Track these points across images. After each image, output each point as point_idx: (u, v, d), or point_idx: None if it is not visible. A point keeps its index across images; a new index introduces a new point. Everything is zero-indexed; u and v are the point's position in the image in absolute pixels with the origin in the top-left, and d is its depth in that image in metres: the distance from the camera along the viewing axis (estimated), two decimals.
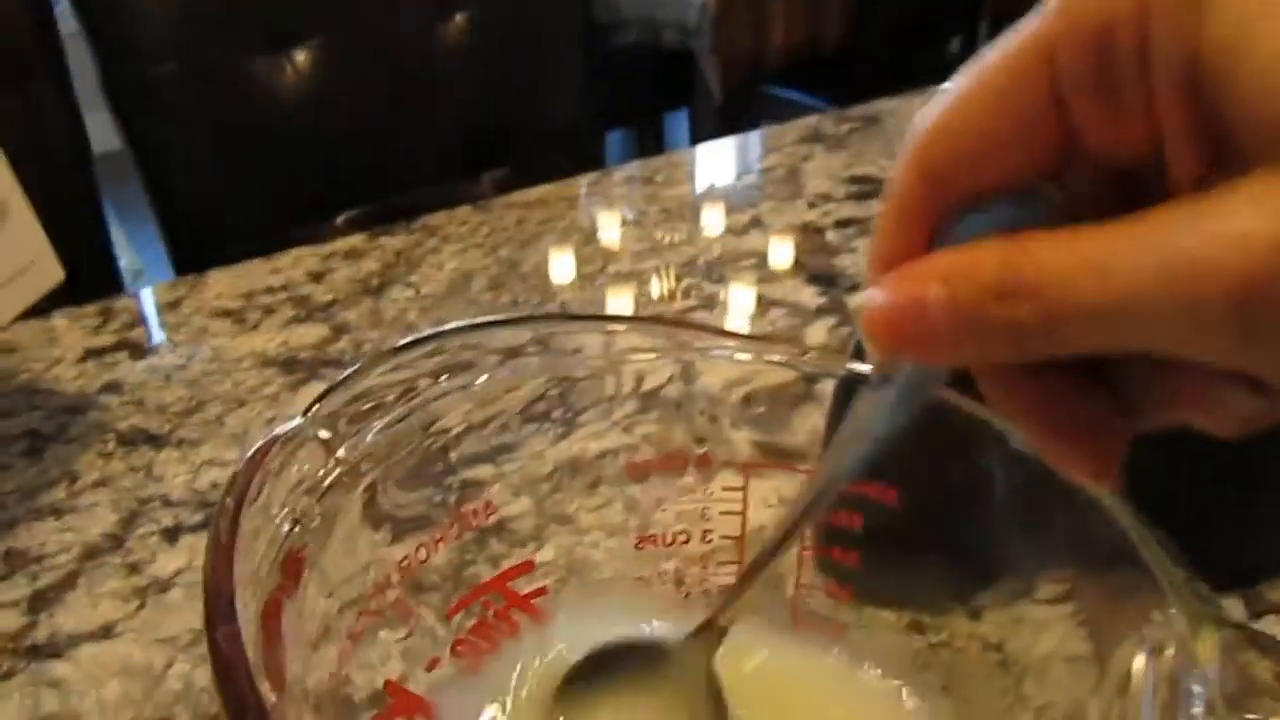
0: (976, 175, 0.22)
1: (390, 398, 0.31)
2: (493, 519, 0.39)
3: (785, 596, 0.35)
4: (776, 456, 0.40)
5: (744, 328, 0.64)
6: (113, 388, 0.61)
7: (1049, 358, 0.20)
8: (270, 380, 0.60)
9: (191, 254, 1.04)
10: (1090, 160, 0.22)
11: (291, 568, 0.23)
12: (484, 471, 0.39)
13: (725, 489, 0.34)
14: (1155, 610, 0.25)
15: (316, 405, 0.27)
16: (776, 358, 0.34)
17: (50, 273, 0.51)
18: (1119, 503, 0.28)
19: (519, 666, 0.30)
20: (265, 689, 0.18)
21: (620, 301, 0.69)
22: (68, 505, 0.51)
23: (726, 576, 0.35)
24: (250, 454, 0.24)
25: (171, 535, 0.49)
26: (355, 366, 0.32)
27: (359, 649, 0.27)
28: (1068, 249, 0.19)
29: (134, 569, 0.47)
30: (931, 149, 0.23)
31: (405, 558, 0.31)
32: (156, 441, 0.56)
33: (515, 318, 0.35)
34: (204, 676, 0.41)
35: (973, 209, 0.23)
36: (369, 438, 0.28)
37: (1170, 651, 0.25)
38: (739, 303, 0.68)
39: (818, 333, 0.63)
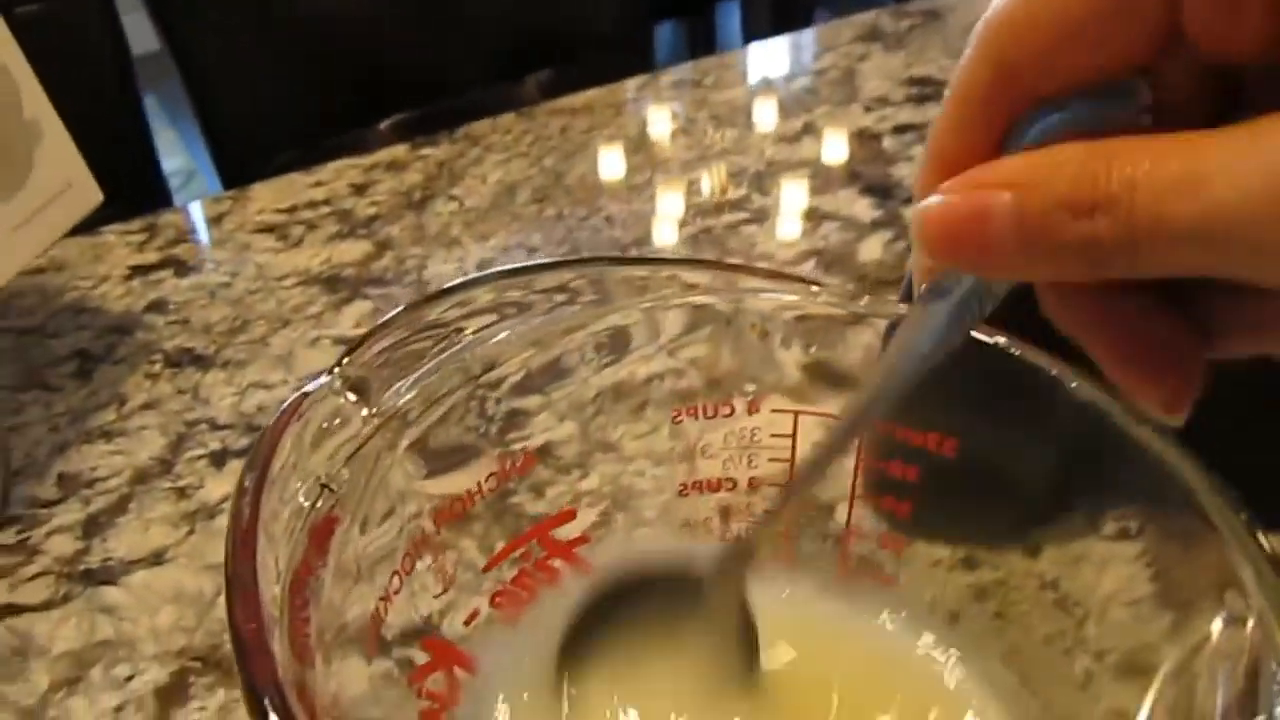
0: (1057, 69, 0.20)
1: (421, 347, 0.30)
2: (536, 445, 0.38)
3: (832, 542, 0.34)
4: (828, 380, 0.39)
5: (795, 244, 0.62)
6: (158, 306, 0.60)
7: (1124, 279, 0.18)
8: (314, 299, 0.60)
9: (236, 160, 1.03)
10: (1192, 55, 0.19)
11: (319, 538, 0.22)
12: (530, 402, 0.38)
13: (773, 435, 0.33)
14: (1231, 581, 0.24)
15: (343, 362, 0.26)
16: (829, 300, 0.32)
17: (89, 195, 0.50)
18: (1190, 462, 0.26)
19: (560, 617, 0.30)
20: (291, 676, 0.18)
21: (667, 214, 0.67)
22: (117, 428, 0.51)
23: (773, 518, 0.34)
24: (272, 423, 0.23)
25: (219, 459, 0.49)
26: (387, 317, 0.32)
27: (395, 602, 0.27)
28: (1158, 158, 0.17)
29: (183, 494, 0.47)
30: (1006, 37, 0.20)
31: (445, 498, 0.30)
32: (202, 363, 0.55)
33: (552, 263, 0.33)
34: None
35: (1048, 108, 0.20)
36: (403, 390, 0.27)
37: (1250, 626, 0.23)
38: (790, 217, 0.65)
39: (872, 248, 0.61)
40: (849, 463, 0.33)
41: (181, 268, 0.64)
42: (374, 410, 0.26)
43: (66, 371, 0.55)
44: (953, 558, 0.38)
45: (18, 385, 0.54)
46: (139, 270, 0.64)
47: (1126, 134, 0.18)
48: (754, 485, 0.33)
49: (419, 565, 0.27)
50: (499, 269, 0.31)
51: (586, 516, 0.39)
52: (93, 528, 0.46)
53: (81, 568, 0.44)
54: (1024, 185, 0.18)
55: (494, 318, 0.32)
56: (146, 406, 0.53)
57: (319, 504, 0.23)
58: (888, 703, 0.31)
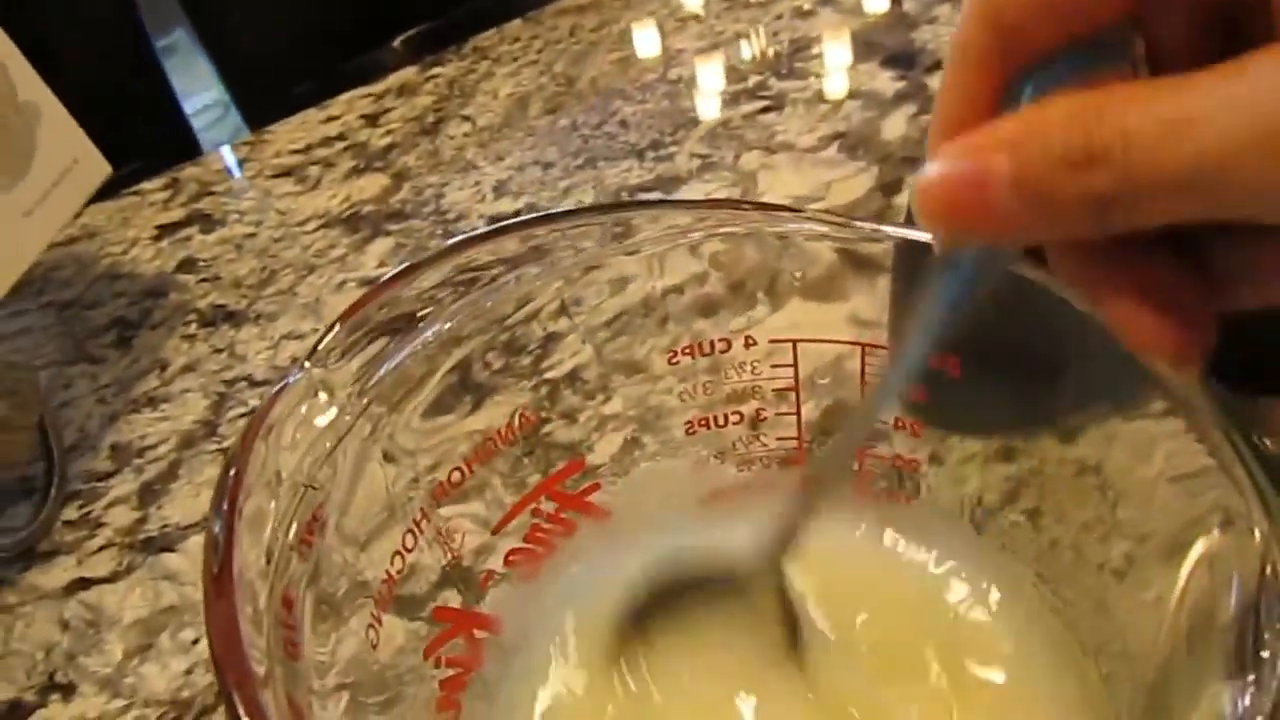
0: (1049, 22, 0.20)
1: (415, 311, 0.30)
2: (560, 373, 0.38)
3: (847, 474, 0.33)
4: (855, 264, 0.38)
5: (817, 130, 0.60)
6: (188, 265, 0.61)
7: (1129, 231, 0.18)
8: (336, 242, 0.60)
9: (254, 91, 1.02)
10: None
11: (306, 542, 0.22)
12: (548, 329, 0.38)
13: (774, 366, 0.32)
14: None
15: (320, 344, 0.26)
16: (852, 234, 0.31)
17: (96, 168, 0.50)
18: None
19: (579, 568, 0.30)
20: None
21: (682, 112, 0.65)
22: (161, 394, 0.53)
23: (786, 443, 0.34)
24: (244, 432, 0.23)
25: None
26: (385, 278, 0.32)
27: (399, 578, 0.27)
28: (1146, 104, 0.17)
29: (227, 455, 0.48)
30: None
31: (443, 465, 0.30)
32: (235, 319, 0.56)
33: (562, 213, 0.32)
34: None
35: (1044, 66, 0.20)
36: (389, 360, 0.27)
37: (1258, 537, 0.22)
38: (809, 100, 0.63)
39: (896, 125, 0.59)
40: (855, 388, 0.33)
41: (207, 222, 0.64)
42: (358, 390, 0.26)
43: (108, 341, 0.57)
44: (986, 451, 0.38)
45: (65, 360, 0.56)
46: (166, 229, 0.64)
47: (1121, 83, 0.17)
48: (760, 417, 0.33)
49: (422, 539, 0.28)
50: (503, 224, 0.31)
51: (609, 445, 0.39)
52: (148, 496, 0.47)
53: (141, 537, 0.46)
54: (1018, 145, 0.18)
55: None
56: (186, 369, 0.54)
57: (303, 502, 0.23)
58: (918, 636, 0.31)
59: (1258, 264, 0.20)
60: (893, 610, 0.32)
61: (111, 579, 0.44)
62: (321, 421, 0.25)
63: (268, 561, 0.22)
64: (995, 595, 0.33)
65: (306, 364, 0.25)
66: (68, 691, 0.41)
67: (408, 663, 0.28)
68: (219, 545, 0.20)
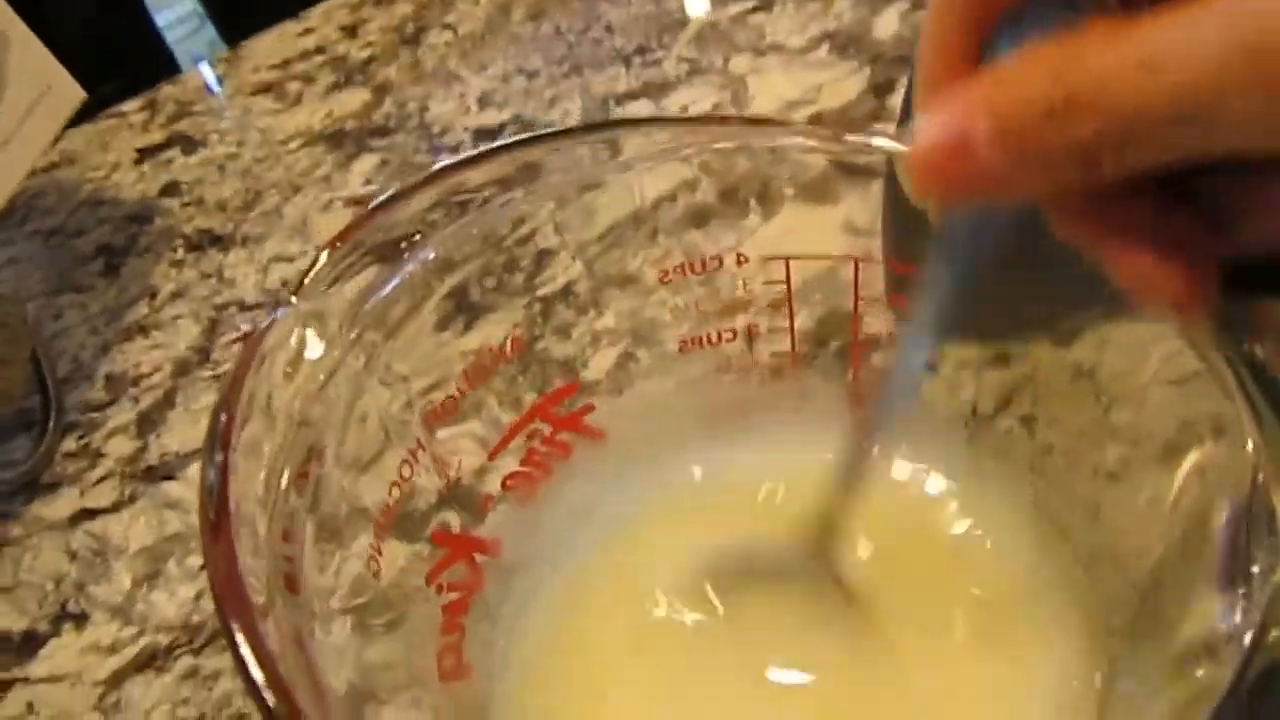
0: None
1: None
2: (553, 289, 0.38)
3: (842, 386, 0.33)
4: (848, 171, 0.37)
5: (807, 30, 0.59)
6: (171, 189, 0.60)
7: (1124, 177, 0.18)
8: (320, 160, 0.59)
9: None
10: None
11: (304, 475, 0.22)
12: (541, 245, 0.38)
13: (765, 283, 0.32)
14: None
15: (307, 276, 0.25)
16: (844, 148, 0.31)
17: (70, 94, 0.49)
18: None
19: (577, 490, 0.30)
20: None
21: (669, 13, 0.63)
22: (152, 321, 0.52)
23: (780, 358, 0.33)
24: (232, 372, 0.23)
25: None
26: (372, 205, 0.31)
27: (398, 507, 0.27)
28: (1120, 47, 0.17)
29: (222, 381, 0.48)
30: None
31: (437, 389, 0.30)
32: (222, 243, 0.56)
33: (538, 137, 0.31)
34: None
35: (1019, 17, 0.19)
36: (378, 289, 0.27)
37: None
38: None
39: (888, 23, 0.57)
40: (849, 298, 0.32)
41: (188, 143, 0.63)
42: (349, 320, 0.26)
43: (95, 270, 0.56)
44: (982, 358, 0.38)
45: (53, 290, 0.55)
46: (147, 153, 0.63)
47: (1097, 27, 0.17)
48: (753, 334, 0.33)
49: (419, 464, 0.28)
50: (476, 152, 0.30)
51: (603, 361, 0.39)
52: (146, 425, 0.48)
53: (142, 466, 0.46)
54: (995, 103, 0.18)
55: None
56: (176, 295, 0.53)
57: (299, 437, 0.23)
58: (912, 550, 0.31)
59: (1255, 201, 0.20)
60: (886, 524, 0.33)
61: (115, 509, 0.45)
62: (312, 355, 0.24)
63: (265, 492, 0.22)
64: (989, 504, 0.33)
65: (293, 299, 0.24)
66: (80, 620, 0.41)
67: (412, 582, 0.28)
68: (214, 490, 0.20)
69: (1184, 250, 0.20)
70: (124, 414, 0.48)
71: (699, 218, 0.39)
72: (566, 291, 0.40)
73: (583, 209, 0.38)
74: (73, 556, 0.43)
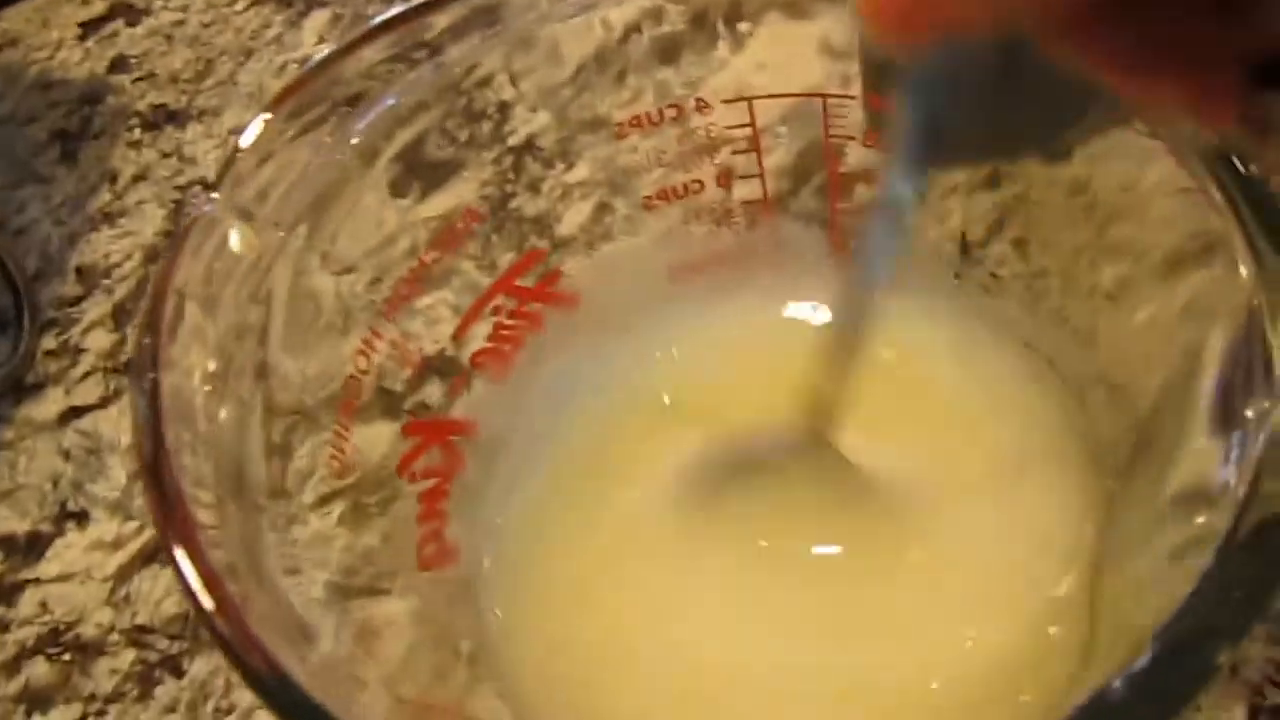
0: None
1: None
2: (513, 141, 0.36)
3: (818, 210, 0.31)
4: None
5: None
6: (120, 64, 0.57)
7: None
8: (270, 20, 0.56)
9: None
10: None
11: (250, 383, 0.21)
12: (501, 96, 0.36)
13: (729, 128, 0.29)
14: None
15: (232, 162, 0.24)
16: None
17: None
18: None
19: (553, 360, 0.29)
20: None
21: None
22: (116, 208, 0.51)
23: (752, 206, 0.32)
24: (153, 286, 0.21)
25: None
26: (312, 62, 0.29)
27: (360, 399, 0.26)
28: None
29: None
30: None
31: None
32: (178, 118, 0.53)
33: None
34: None
35: None
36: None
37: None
38: None
39: None
40: (818, 130, 0.30)
41: (131, 13, 0.60)
42: (283, 200, 0.24)
43: (52, 157, 0.54)
44: (971, 181, 0.36)
45: (12, 183, 0.53)
46: (90, 26, 0.60)
47: None
48: (723, 182, 0.31)
49: (377, 353, 0.27)
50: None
51: (577, 214, 0.37)
52: (122, 317, 0.47)
53: (124, 359, 0.45)
54: None
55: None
56: (138, 179, 0.52)
57: (239, 340, 0.22)
58: (902, 393, 0.30)
59: None
60: (874, 376, 0.31)
61: (103, 404, 0.44)
62: (244, 245, 0.23)
63: (207, 397, 0.21)
64: (980, 344, 0.32)
65: (214, 195, 0.23)
66: (81, 519, 0.42)
67: (383, 474, 0.28)
68: (146, 420, 0.19)
69: (1199, 54, 0.17)
70: (99, 307, 0.47)
71: (668, 51, 0.37)
72: (531, 144, 0.38)
73: (546, 51, 0.36)
74: (66, 456, 0.43)
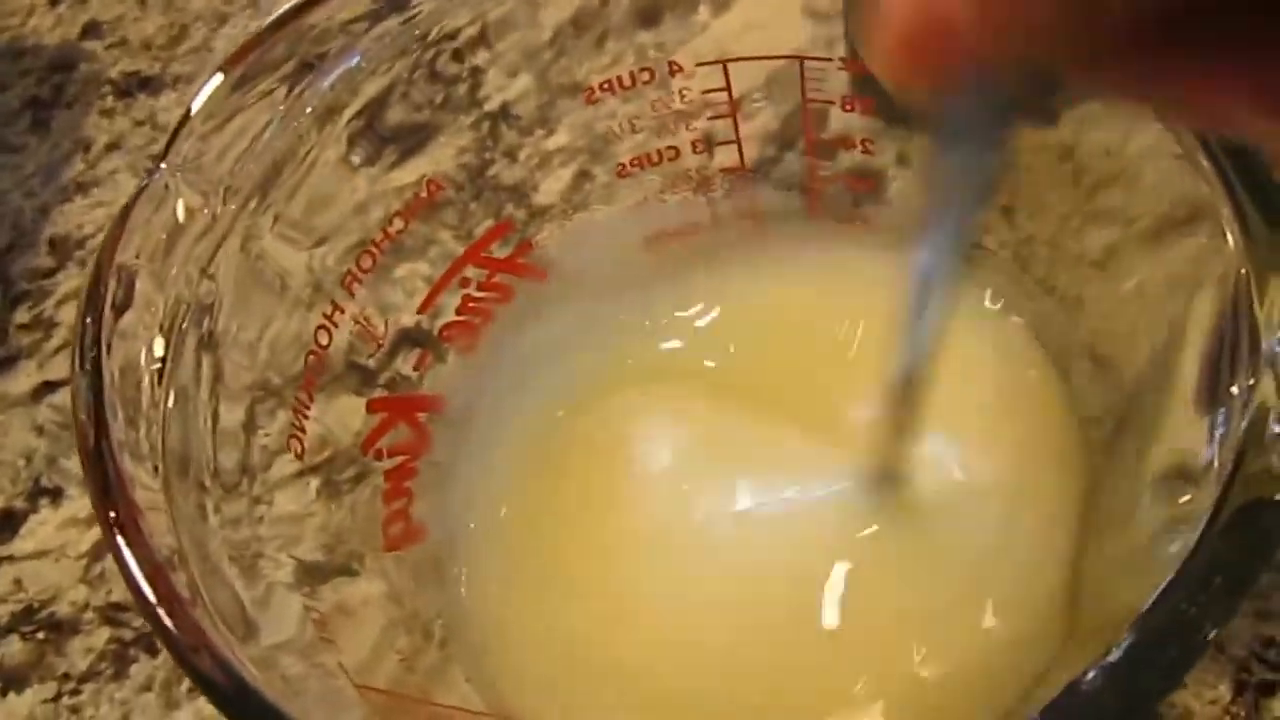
0: None
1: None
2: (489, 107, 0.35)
3: (797, 190, 0.30)
4: None
5: None
6: (93, 30, 0.56)
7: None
8: None
9: None
10: None
11: (204, 363, 0.20)
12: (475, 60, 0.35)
13: (705, 92, 0.28)
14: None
15: (181, 129, 0.23)
16: None
17: None
18: None
19: (523, 333, 0.28)
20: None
21: None
22: (89, 178, 0.50)
23: (728, 175, 0.31)
24: (96, 261, 0.20)
25: None
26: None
27: (319, 378, 0.26)
28: None
29: None
30: None
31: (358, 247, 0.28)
32: (151, 86, 0.52)
33: None
34: None
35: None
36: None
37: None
38: None
39: None
40: (797, 96, 0.29)
41: None
42: (234, 169, 0.24)
43: (23, 127, 0.53)
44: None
45: None
46: None
47: None
48: (699, 148, 0.30)
49: (342, 331, 0.26)
50: None
51: (556, 182, 0.36)
52: None
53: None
54: None
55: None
56: (111, 147, 0.51)
57: (190, 316, 0.21)
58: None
59: None
60: (866, 341, 0.31)
61: None
62: (187, 218, 0.22)
63: (158, 380, 0.21)
64: (967, 312, 0.31)
65: (163, 164, 0.22)
66: (55, 495, 0.41)
67: (346, 453, 0.27)
68: (88, 404, 0.18)
69: (1265, 59, 0.14)
70: (72, 279, 0.46)
71: (649, 14, 0.36)
72: (507, 111, 0.37)
73: (522, 13, 0.35)
74: (40, 431, 0.43)
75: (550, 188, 0.37)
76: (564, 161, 0.37)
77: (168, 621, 0.16)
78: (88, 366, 0.19)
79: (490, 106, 0.36)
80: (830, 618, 0.26)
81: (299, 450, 0.25)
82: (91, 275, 0.20)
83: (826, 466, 0.27)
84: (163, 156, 0.23)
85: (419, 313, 0.28)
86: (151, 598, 0.16)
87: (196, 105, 0.23)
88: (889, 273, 0.32)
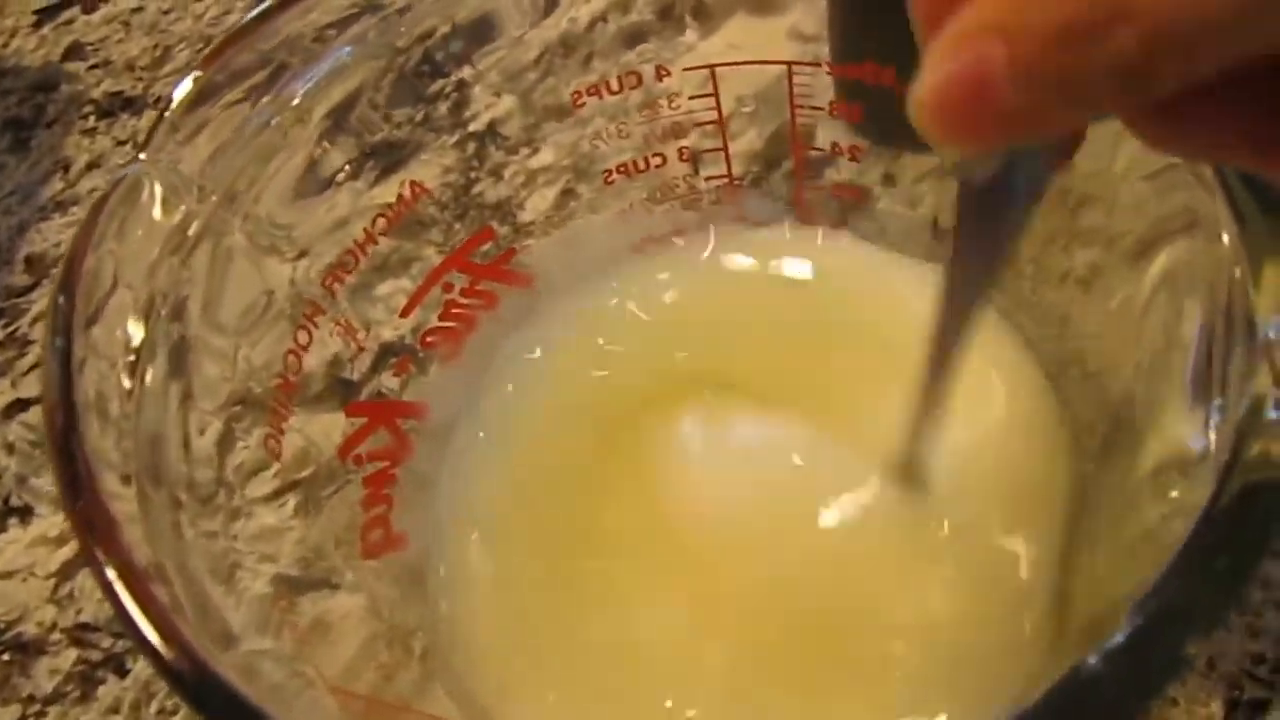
0: None
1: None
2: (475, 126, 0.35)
3: (784, 200, 0.30)
4: None
5: None
6: (76, 51, 0.56)
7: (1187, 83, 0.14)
8: (230, 7, 0.54)
9: None
10: None
11: (177, 368, 0.20)
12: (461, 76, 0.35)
13: (692, 98, 0.28)
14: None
15: (157, 128, 0.22)
16: None
17: None
18: None
19: (507, 341, 0.28)
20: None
21: None
22: (69, 196, 0.49)
23: (716, 183, 0.31)
24: (70, 249, 0.20)
25: None
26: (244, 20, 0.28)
27: (296, 380, 0.25)
28: None
29: None
30: None
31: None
32: (134, 106, 0.52)
33: None
34: None
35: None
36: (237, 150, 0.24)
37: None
38: None
39: None
40: (786, 110, 0.29)
41: (88, 0, 0.58)
42: (212, 168, 0.23)
43: (3, 146, 0.52)
44: (941, 165, 0.35)
45: None
46: (46, 14, 0.58)
47: None
48: (685, 156, 0.30)
49: (319, 333, 0.25)
50: None
51: (541, 200, 0.36)
52: None
53: None
54: (1009, 24, 0.14)
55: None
56: (91, 166, 0.50)
57: (163, 316, 0.20)
58: (876, 370, 0.29)
59: None
60: (850, 345, 0.31)
61: None
62: (162, 215, 0.21)
63: (129, 382, 0.20)
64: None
65: (141, 155, 0.22)
66: (25, 514, 0.40)
67: (323, 460, 0.26)
68: (58, 389, 0.17)
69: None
70: (47, 298, 0.46)
71: (634, 37, 0.36)
72: (494, 130, 0.37)
73: (508, 31, 0.35)
74: (10, 449, 0.42)
75: (536, 205, 0.37)
76: (549, 181, 0.37)
77: (145, 627, 0.16)
78: (59, 345, 0.18)
79: (476, 127, 0.36)
80: (821, 633, 0.25)
81: (287, 462, 0.24)
82: (64, 263, 0.20)
83: (823, 467, 0.26)
84: (140, 149, 0.22)
85: (401, 316, 0.28)
86: (130, 604, 0.16)
87: (176, 98, 0.23)
88: (878, 277, 0.32)
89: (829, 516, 0.26)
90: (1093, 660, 0.15)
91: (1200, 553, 0.15)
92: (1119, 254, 0.30)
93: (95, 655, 0.36)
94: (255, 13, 0.25)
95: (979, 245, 0.20)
